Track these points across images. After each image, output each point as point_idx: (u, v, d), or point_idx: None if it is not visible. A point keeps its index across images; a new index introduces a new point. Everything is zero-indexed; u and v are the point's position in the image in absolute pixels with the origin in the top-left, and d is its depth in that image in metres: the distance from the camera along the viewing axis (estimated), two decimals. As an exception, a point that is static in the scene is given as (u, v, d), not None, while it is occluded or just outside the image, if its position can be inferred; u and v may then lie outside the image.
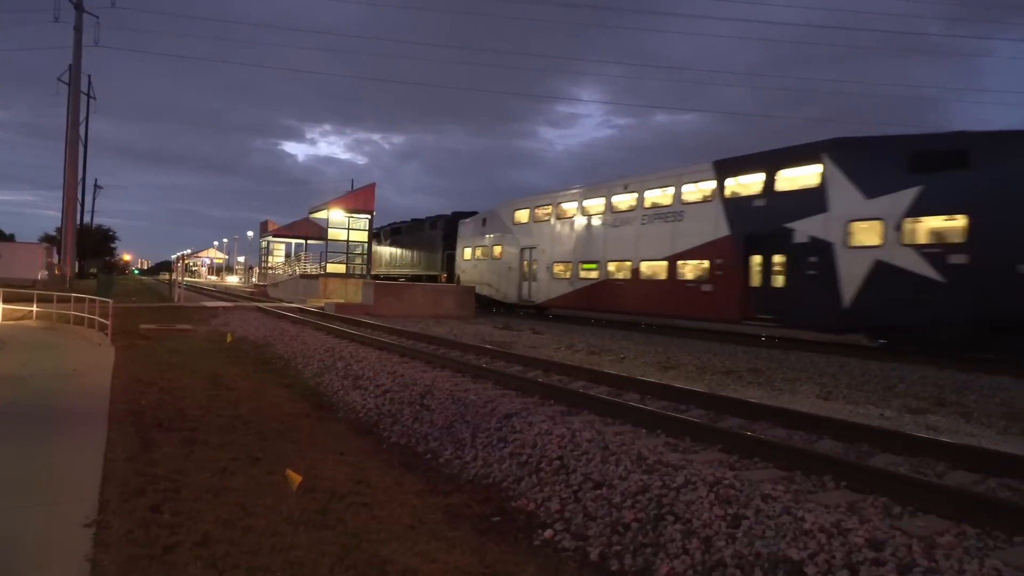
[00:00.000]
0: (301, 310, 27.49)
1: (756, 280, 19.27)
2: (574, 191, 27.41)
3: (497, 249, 31.46)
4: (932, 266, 15.05)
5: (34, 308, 22.29)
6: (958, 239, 14.75)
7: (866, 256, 16.33)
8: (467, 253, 34.14)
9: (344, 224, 41.80)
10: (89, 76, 49.31)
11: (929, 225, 15.46)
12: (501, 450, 7.24)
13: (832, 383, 11.84)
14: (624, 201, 24.39)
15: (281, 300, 38.86)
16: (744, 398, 9.06)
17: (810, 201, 17.66)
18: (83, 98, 44.72)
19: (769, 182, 19.10)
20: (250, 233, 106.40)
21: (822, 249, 17.26)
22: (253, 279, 74.32)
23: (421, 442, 8.35)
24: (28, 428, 7.66)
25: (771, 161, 19.15)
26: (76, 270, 44.69)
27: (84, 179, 54.76)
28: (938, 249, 15.05)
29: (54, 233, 76.81)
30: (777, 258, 18.70)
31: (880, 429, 7.12)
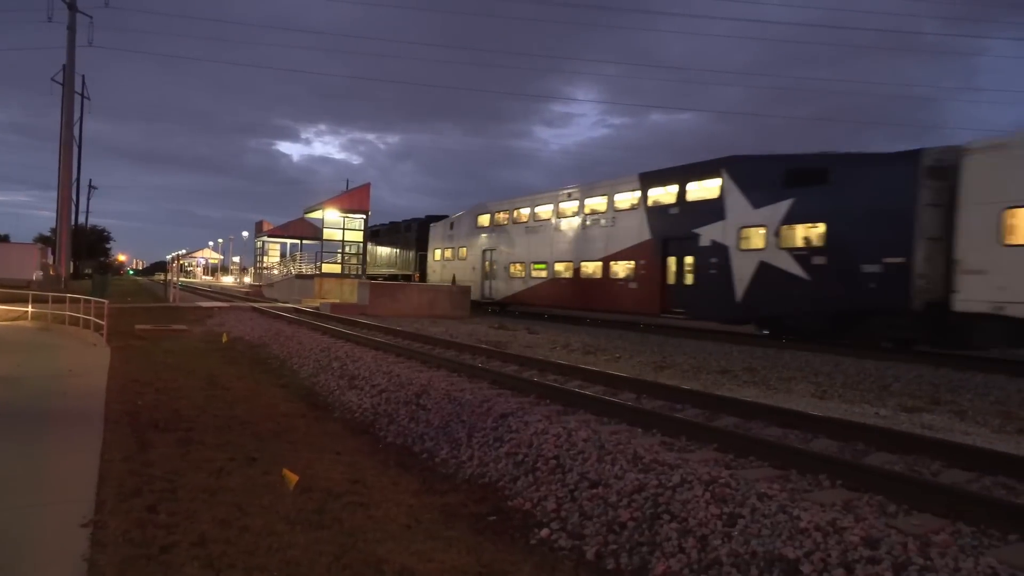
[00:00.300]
0: (296, 310, 27.47)
1: (671, 278, 22.08)
2: (527, 198, 30.24)
3: (463, 251, 34.39)
4: (800, 266, 17.89)
5: (29, 309, 22.23)
6: (819, 243, 17.57)
7: (753, 258, 19.10)
8: (437, 254, 36.98)
9: (339, 224, 41.72)
10: (83, 76, 49.11)
11: (798, 231, 18.22)
12: (497, 449, 7.25)
13: (827, 382, 11.87)
14: (569, 208, 27.15)
15: (276, 300, 38.81)
16: (739, 397, 9.08)
17: (712, 210, 20.41)
18: (77, 98, 44.57)
19: (681, 193, 21.84)
20: (245, 233, 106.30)
21: (721, 251, 20.07)
22: (247, 279, 74.18)
23: (417, 442, 8.36)
24: (24, 429, 7.65)
25: (683, 174, 21.91)
26: (71, 271, 44.57)
27: (79, 179, 54.59)
28: (804, 252, 17.84)
29: (49, 234, 76.52)
30: (688, 259, 21.45)
31: (875, 428, 7.14)
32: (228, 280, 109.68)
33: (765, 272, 18.71)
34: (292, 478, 6.24)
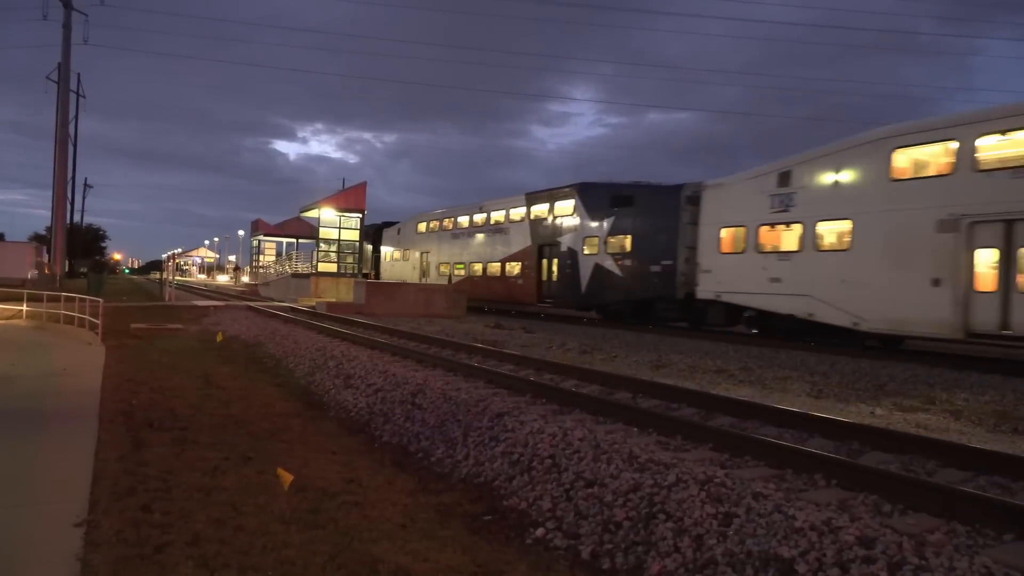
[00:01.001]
0: (292, 309, 27.43)
1: (545, 275, 28.78)
2: (452, 210, 36.89)
3: (407, 253, 40.42)
4: (618, 267, 24.87)
5: (24, 307, 22.16)
6: (628, 250, 24.54)
7: (592, 260, 25.92)
8: (388, 255, 43.05)
9: (335, 223, 41.70)
10: (78, 74, 49.01)
11: (616, 241, 25.13)
12: (493, 449, 7.24)
13: (823, 381, 11.88)
14: (480, 219, 33.84)
15: (272, 299, 38.77)
16: (735, 397, 9.09)
17: (569, 223, 27.35)
18: (72, 96, 44.48)
19: (551, 209, 28.60)
20: (241, 232, 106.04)
21: (573, 255, 26.80)
22: (244, 278, 74.03)
23: (413, 441, 8.34)
24: (18, 428, 7.61)
25: (552, 195, 28.87)
26: (66, 269, 44.46)
27: (74, 178, 54.53)
28: (620, 256, 24.84)
29: (44, 232, 76.32)
30: (555, 261, 28.13)
31: (870, 427, 7.15)
32: (224, 279, 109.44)
33: (598, 271, 25.60)
34: (287, 477, 6.21)
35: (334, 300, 31.36)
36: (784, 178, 18.60)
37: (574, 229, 26.83)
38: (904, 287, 15.26)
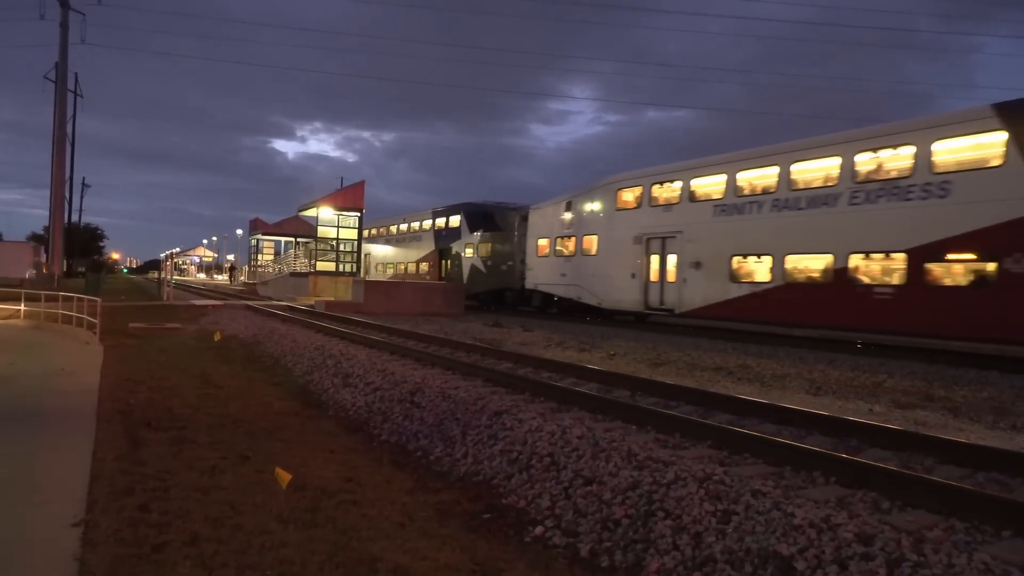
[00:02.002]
0: (291, 308, 27.39)
1: (442, 273, 37.71)
2: (388, 219, 47.50)
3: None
4: (483, 266, 33.96)
5: (22, 307, 22.12)
6: (489, 254, 33.62)
7: (470, 261, 35.06)
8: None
9: (334, 222, 41.62)
10: (76, 74, 48.90)
11: (483, 247, 34.11)
12: (491, 447, 7.24)
13: (821, 379, 11.89)
14: (404, 227, 43.90)
15: (271, 298, 38.72)
16: (734, 394, 9.09)
17: (457, 233, 36.56)
18: (70, 96, 44.41)
19: (446, 222, 38.04)
20: (239, 231, 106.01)
21: (459, 258, 36.11)
22: (242, 277, 73.97)
23: (411, 440, 8.34)
24: (15, 427, 7.60)
25: (449, 211, 38.08)
26: (64, 269, 44.40)
27: (72, 177, 54.41)
28: (485, 259, 33.88)
29: (42, 232, 76.24)
30: (449, 261, 37.23)
31: (869, 424, 7.14)
32: (222, 278, 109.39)
33: (473, 269, 34.75)
34: (285, 477, 6.20)
35: (332, 299, 31.34)
36: (568, 206, 27.02)
37: (460, 238, 36.25)
38: (620, 279, 23.58)
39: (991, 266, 13.85)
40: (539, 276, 28.73)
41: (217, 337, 18.52)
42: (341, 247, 42.02)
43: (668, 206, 21.96)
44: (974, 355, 15.00)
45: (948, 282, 14.68)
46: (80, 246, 73.19)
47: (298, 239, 56.03)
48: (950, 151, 14.92)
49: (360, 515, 5.56)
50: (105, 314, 18.20)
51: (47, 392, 9.86)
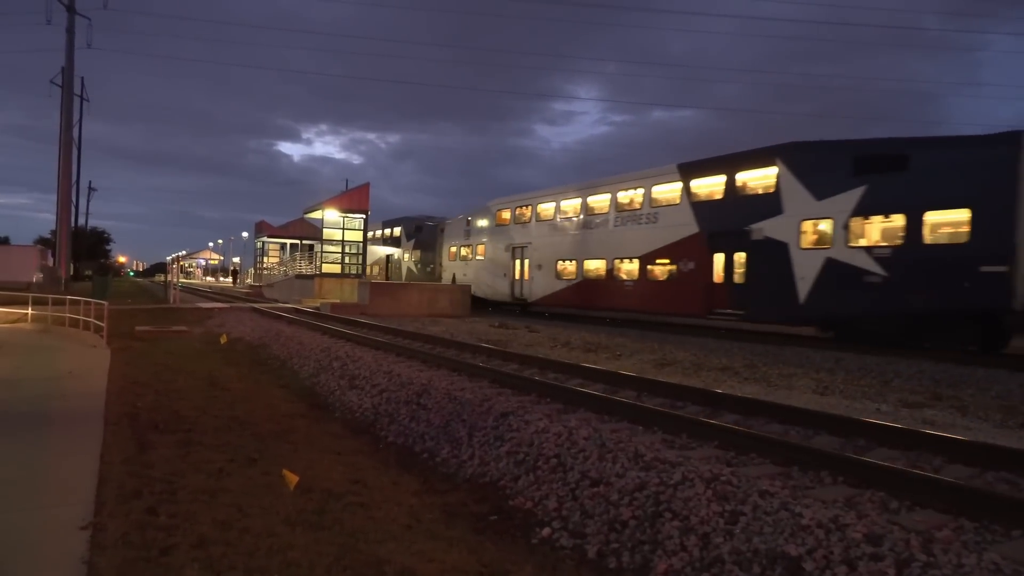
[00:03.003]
0: (296, 310, 27.44)
1: (388, 275, 48.06)
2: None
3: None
4: (416, 268, 45.99)
5: (29, 311, 22.21)
6: (419, 259, 45.89)
7: (405, 266, 47.54)
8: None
9: (339, 224, 41.71)
10: (82, 78, 49.13)
11: (416, 255, 46.29)
12: (498, 449, 7.23)
13: (828, 378, 11.85)
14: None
15: (277, 301, 38.79)
16: (740, 394, 9.06)
17: (399, 243, 49.09)
18: (76, 100, 44.56)
19: (391, 232, 50.74)
20: (245, 234, 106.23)
21: (400, 262, 48.58)
22: (248, 280, 74.14)
23: (418, 441, 8.34)
24: (23, 431, 7.62)
25: (393, 223, 51.70)
26: (71, 272, 44.55)
27: (78, 181, 54.52)
28: (417, 263, 45.90)
29: (49, 236, 76.43)
30: (392, 266, 49.72)
31: (876, 424, 7.12)
32: (228, 281, 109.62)
33: (409, 273, 45.83)
34: (292, 479, 6.22)
35: (338, 301, 31.37)
36: (467, 221, 35.14)
37: (401, 247, 48.80)
38: (498, 278, 31.63)
39: (673, 267, 22.32)
40: (448, 275, 36.80)
41: (223, 340, 18.56)
42: (346, 249, 42.11)
43: (525, 224, 30.43)
44: (982, 354, 14.92)
45: (657, 277, 22.95)
46: (87, 250, 73.43)
47: (303, 241, 56.21)
48: (660, 193, 23.26)
49: (367, 517, 5.57)
50: (112, 317, 18.26)
51: (54, 395, 9.90)
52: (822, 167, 17.84)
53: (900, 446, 6.46)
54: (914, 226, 15.65)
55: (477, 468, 7.08)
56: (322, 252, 42.23)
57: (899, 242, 15.98)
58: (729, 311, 20.30)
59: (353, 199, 41.82)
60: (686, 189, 21.89)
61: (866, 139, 17.59)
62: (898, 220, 16.06)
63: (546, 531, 5.46)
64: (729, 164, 20.78)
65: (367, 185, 42.87)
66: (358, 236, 42.22)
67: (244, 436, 8.10)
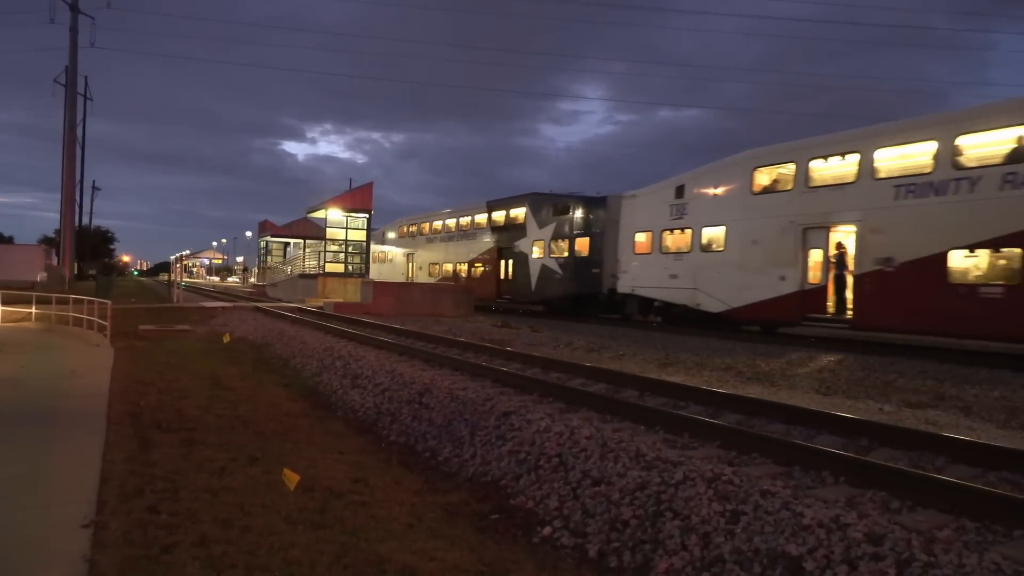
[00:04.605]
0: (300, 310, 27.48)
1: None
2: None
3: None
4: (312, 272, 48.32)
5: (33, 310, 22.26)
6: (316, 265, 45.32)
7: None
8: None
9: (342, 223, 41.75)
10: (86, 77, 49.36)
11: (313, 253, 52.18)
12: (500, 448, 7.24)
13: (831, 378, 11.83)
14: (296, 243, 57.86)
15: (280, 300, 38.84)
16: (742, 394, 9.06)
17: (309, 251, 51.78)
18: (80, 99, 44.68)
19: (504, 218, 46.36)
20: (248, 233, 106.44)
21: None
22: (251, 279, 74.27)
23: (420, 440, 8.35)
24: (26, 429, 7.65)
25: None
26: (75, 272, 44.67)
27: (82, 180, 54.71)
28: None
29: (53, 235, 76.65)
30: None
31: (879, 424, 7.11)
32: (232, 280, 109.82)
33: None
34: (294, 477, 6.22)
35: (341, 300, 31.41)
36: (383, 234, 46.65)
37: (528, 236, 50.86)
38: (399, 276, 42.36)
39: (484, 267, 34.07)
40: (383, 274, 43.96)
41: (227, 339, 18.59)
42: (349, 248, 42.15)
43: (413, 237, 42.80)
44: (985, 354, 14.90)
45: (476, 273, 34.87)
46: (91, 249, 73.58)
47: (307, 241, 56.32)
48: (478, 219, 35.28)
49: (368, 516, 5.57)
50: (115, 316, 18.29)
51: (58, 394, 9.92)
52: (540, 210, 30.21)
53: (902, 446, 6.45)
54: (572, 246, 28.06)
55: (479, 467, 7.08)
56: (325, 251, 42.27)
57: (566, 255, 28.37)
58: (507, 296, 32.50)
59: (356, 198, 41.85)
60: (489, 218, 34.41)
61: (563, 192, 30.19)
62: (565, 243, 28.49)
63: (547, 530, 5.46)
64: (506, 204, 33.19)
65: (370, 184, 42.90)
66: (361, 235, 42.24)
67: (246, 435, 8.11)
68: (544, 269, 29.16)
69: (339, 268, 41.72)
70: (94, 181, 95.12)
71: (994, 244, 13.53)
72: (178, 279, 42.87)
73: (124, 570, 4.29)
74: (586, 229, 27.27)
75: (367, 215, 42.02)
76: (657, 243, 22.67)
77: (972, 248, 13.89)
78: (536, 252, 29.79)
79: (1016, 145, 13.39)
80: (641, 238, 23.54)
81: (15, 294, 24.40)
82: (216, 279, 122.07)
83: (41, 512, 5.17)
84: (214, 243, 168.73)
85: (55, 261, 47.20)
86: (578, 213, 27.66)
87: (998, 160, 13.66)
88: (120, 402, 9.50)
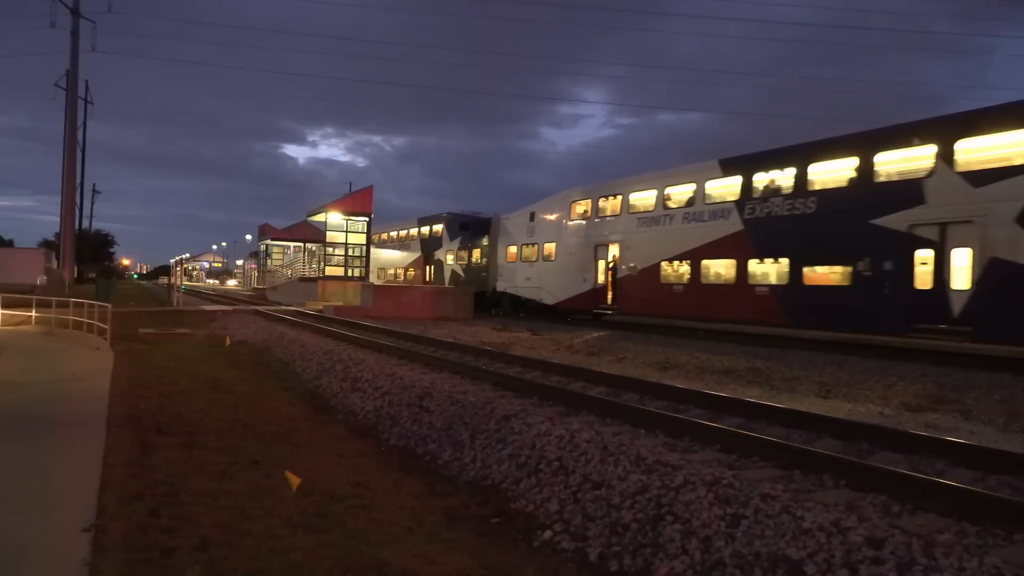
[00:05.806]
0: (300, 313, 27.46)
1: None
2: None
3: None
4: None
5: (33, 313, 22.25)
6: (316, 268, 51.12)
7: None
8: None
9: (342, 227, 41.73)
10: (86, 81, 49.42)
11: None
12: (500, 452, 7.24)
13: (831, 381, 11.83)
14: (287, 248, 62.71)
15: (280, 303, 38.83)
16: (743, 397, 9.05)
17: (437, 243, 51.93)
18: (81, 103, 44.74)
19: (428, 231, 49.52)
20: (248, 236, 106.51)
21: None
22: (252, 283, 74.38)
23: (420, 444, 8.34)
24: (27, 433, 7.65)
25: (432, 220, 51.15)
26: (75, 275, 44.67)
27: (82, 184, 54.73)
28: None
29: (53, 238, 76.62)
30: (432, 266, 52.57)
31: (879, 427, 7.11)
32: (232, 283, 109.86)
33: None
34: (294, 481, 6.23)
35: (341, 304, 31.39)
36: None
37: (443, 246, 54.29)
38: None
39: (411, 271, 43.06)
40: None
41: (227, 343, 18.59)
42: (350, 252, 42.15)
43: (375, 246, 46.80)
44: (985, 357, 14.88)
45: (409, 276, 42.73)
46: (91, 252, 73.55)
47: (307, 244, 56.34)
48: (410, 232, 43.49)
49: (369, 520, 5.57)
50: (115, 320, 18.28)
51: (58, 398, 9.92)
52: (452, 226, 37.83)
53: (903, 450, 6.45)
54: (470, 255, 35.70)
55: (479, 471, 7.08)
56: (324, 255, 42.29)
57: (466, 261, 36.14)
58: None
59: (356, 202, 41.85)
60: (419, 231, 42.17)
61: (469, 213, 38.27)
62: (465, 252, 36.32)
63: (548, 534, 5.46)
64: (431, 220, 40.77)
65: (370, 188, 42.91)
66: (362, 239, 42.24)
67: (246, 438, 8.10)
68: (453, 272, 37.43)
69: (339, 271, 41.69)
70: (94, 184, 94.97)
71: (679, 258, 20.74)
72: (178, 282, 42.83)
73: (124, 574, 4.29)
74: (477, 242, 35.05)
75: (367, 219, 42.01)
76: (519, 254, 30.17)
77: (671, 260, 21.11)
78: (449, 259, 38.13)
79: (692, 195, 20.75)
80: (512, 250, 30.72)
81: (15, 297, 24.39)
82: (215, 282, 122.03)
83: (42, 516, 5.17)
84: (214, 246, 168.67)
85: (55, 264, 47.16)
86: (474, 229, 35.87)
87: (684, 203, 21.06)
88: (120, 406, 9.50)
